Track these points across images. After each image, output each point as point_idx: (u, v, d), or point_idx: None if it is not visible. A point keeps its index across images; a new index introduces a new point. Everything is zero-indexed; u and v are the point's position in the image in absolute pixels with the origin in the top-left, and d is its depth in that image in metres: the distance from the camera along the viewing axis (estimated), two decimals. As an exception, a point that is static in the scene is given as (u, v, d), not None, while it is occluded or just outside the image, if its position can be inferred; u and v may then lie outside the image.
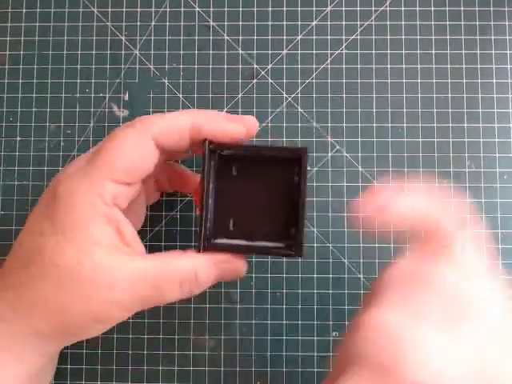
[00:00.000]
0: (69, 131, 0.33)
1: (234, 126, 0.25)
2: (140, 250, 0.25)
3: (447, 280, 0.20)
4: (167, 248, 0.32)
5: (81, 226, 0.23)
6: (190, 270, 0.24)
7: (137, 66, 0.33)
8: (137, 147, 0.24)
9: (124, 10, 0.34)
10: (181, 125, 0.25)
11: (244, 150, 0.26)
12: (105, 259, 0.23)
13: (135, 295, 0.24)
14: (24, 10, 0.34)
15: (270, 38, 0.33)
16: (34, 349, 0.25)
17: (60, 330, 0.25)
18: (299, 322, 0.31)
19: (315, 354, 0.31)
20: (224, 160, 0.26)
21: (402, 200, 0.23)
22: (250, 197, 0.26)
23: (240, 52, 0.33)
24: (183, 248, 0.31)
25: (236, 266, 0.25)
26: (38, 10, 0.34)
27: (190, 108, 0.33)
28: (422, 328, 0.19)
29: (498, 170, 0.32)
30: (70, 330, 0.25)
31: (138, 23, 0.33)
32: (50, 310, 0.24)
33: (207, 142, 0.25)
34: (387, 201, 0.23)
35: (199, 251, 0.25)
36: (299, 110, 0.33)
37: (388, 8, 0.33)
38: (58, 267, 0.23)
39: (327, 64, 0.33)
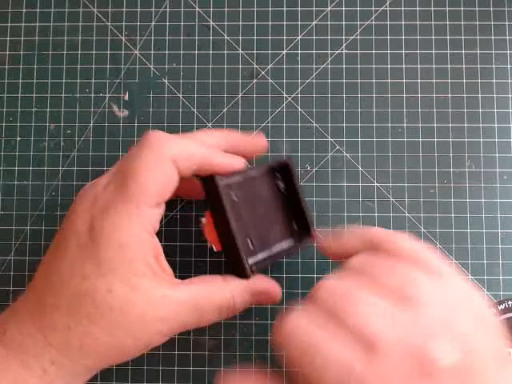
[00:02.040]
0: (69, 131, 0.33)
1: (236, 161, 0.27)
2: (171, 272, 0.26)
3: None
4: (167, 248, 0.32)
5: (129, 262, 0.23)
6: (229, 300, 0.26)
7: (137, 66, 0.33)
8: (160, 169, 0.24)
9: (124, 10, 0.34)
10: (194, 154, 0.25)
11: (240, 176, 0.27)
12: (152, 293, 0.24)
13: (180, 322, 0.25)
14: (24, 10, 0.34)
15: (269, 38, 0.33)
16: (78, 382, 0.26)
17: (108, 363, 0.26)
18: (299, 322, 0.31)
19: (315, 353, 0.31)
20: (224, 189, 0.26)
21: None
22: (254, 213, 0.28)
23: (240, 52, 0.33)
24: (183, 248, 0.32)
25: (272, 295, 0.27)
26: (37, 10, 0.34)
27: (189, 108, 0.33)
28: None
29: (497, 170, 0.32)
30: (117, 361, 0.26)
31: (138, 23, 0.33)
32: (100, 350, 0.24)
33: (217, 180, 0.26)
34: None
35: (248, 277, 0.26)
36: (299, 109, 0.33)
37: (388, 8, 0.33)
38: (110, 309, 0.23)
39: (327, 64, 0.33)
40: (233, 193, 0.27)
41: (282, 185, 0.29)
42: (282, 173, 0.29)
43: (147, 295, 0.24)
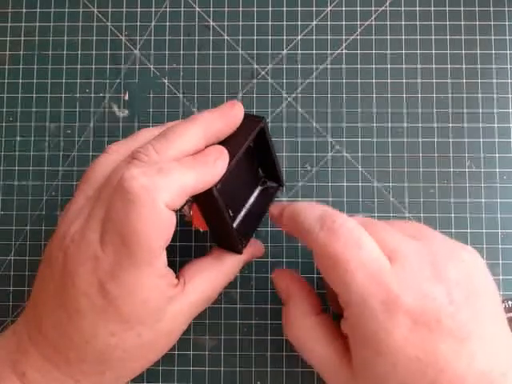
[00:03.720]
0: (69, 131, 0.33)
1: (224, 160, 0.25)
2: (171, 271, 0.25)
3: None
4: (167, 248, 0.32)
5: (155, 312, 0.24)
6: (230, 279, 0.28)
7: (137, 66, 0.33)
8: (158, 221, 0.23)
9: (124, 10, 0.34)
10: (186, 186, 0.23)
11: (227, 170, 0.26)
12: (172, 313, 0.25)
13: (194, 314, 0.26)
14: (24, 10, 0.34)
15: (269, 38, 0.33)
16: None
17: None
18: (299, 322, 0.31)
19: (315, 353, 0.31)
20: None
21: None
22: (232, 183, 0.27)
23: (240, 52, 0.33)
24: (183, 248, 0.32)
25: (257, 256, 0.30)
26: (37, 10, 0.34)
27: (189, 108, 0.33)
28: None
29: (498, 170, 0.32)
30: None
31: (138, 23, 0.33)
32: (137, 372, 0.26)
33: (216, 192, 0.25)
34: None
35: (241, 252, 0.28)
36: (299, 109, 0.33)
37: (388, 8, 0.33)
38: (141, 347, 0.24)
39: (327, 64, 0.33)
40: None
41: (252, 144, 0.28)
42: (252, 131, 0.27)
43: (170, 318, 0.25)
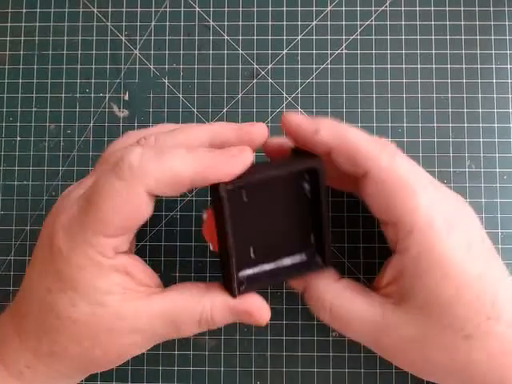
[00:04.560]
0: (69, 131, 0.33)
1: (239, 164, 0.23)
2: (154, 281, 0.25)
3: None
4: (167, 248, 0.32)
5: (89, 281, 0.23)
6: (206, 314, 0.24)
7: (137, 66, 0.33)
8: (129, 203, 0.22)
9: (124, 9, 0.34)
10: (181, 175, 0.22)
11: (255, 179, 0.23)
12: (120, 307, 0.23)
13: (154, 334, 0.24)
14: (24, 10, 0.34)
15: (269, 38, 0.33)
16: None
17: (84, 371, 0.26)
18: (299, 322, 0.31)
19: (315, 353, 0.31)
20: (229, 194, 0.23)
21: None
22: (264, 217, 0.25)
23: (240, 52, 0.33)
24: (183, 248, 0.32)
25: (256, 319, 0.25)
26: (38, 10, 0.34)
27: (189, 108, 0.33)
28: None
29: (497, 170, 0.32)
30: (93, 370, 0.26)
31: (138, 23, 0.33)
32: (70, 358, 0.24)
33: (223, 192, 0.22)
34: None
35: (235, 296, 0.24)
36: (299, 109, 0.33)
37: (388, 8, 0.33)
38: (74, 321, 0.23)
39: (327, 64, 0.33)
40: (244, 192, 0.24)
41: (307, 188, 0.25)
42: (310, 174, 0.24)
43: (115, 309, 0.23)
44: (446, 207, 0.24)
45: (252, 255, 0.25)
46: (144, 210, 0.23)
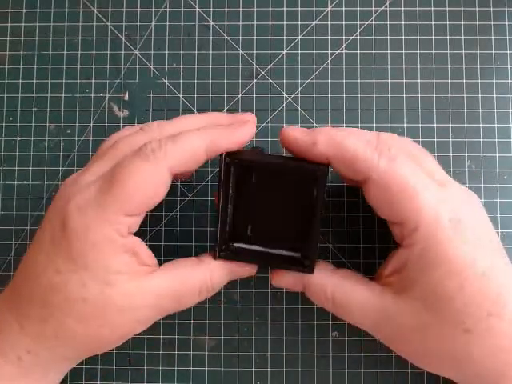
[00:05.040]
0: (69, 131, 0.33)
1: (246, 133, 0.26)
2: (153, 261, 0.26)
3: None
4: (167, 248, 0.32)
5: (101, 260, 0.24)
6: (206, 281, 0.26)
7: (137, 66, 0.33)
8: (153, 183, 0.24)
9: (124, 9, 0.34)
10: (196, 151, 0.24)
11: (264, 163, 0.26)
12: (127, 286, 0.24)
13: (158, 309, 0.25)
14: (24, 10, 0.34)
15: (269, 38, 0.33)
16: (57, 371, 0.27)
17: (85, 353, 0.26)
18: (299, 322, 0.31)
19: (315, 353, 0.31)
20: (244, 167, 0.26)
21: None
22: (269, 204, 0.26)
23: (240, 52, 0.33)
24: (183, 248, 0.32)
25: (249, 270, 0.27)
26: (38, 10, 0.34)
27: (189, 108, 0.33)
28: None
29: (497, 170, 0.32)
30: (94, 351, 0.26)
31: (138, 23, 0.33)
32: (76, 340, 0.25)
33: (224, 156, 0.25)
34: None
35: (215, 258, 0.26)
36: (299, 110, 0.33)
37: (388, 8, 0.33)
38: (83, 301, 0.24)
39: (327, 64, 0.33)
40: (254, 175, 0.26)
41: (316, 193, 0.25)
42: (314, 178, 0.25)
43: (123, 289, 0.24)
44: (453, 205, 0.24)
45: (249, 233, 0.26)
46: (163, 189, 0.24)
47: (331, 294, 0.25)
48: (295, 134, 0.25)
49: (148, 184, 0.24)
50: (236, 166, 0.25)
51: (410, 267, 0.24)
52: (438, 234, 0.23)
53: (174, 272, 0.25)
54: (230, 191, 0.25)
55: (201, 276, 0.26)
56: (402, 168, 0.24)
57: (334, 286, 0.26)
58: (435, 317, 0.23)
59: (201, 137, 0.25)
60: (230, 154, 0.25)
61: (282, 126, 0.32)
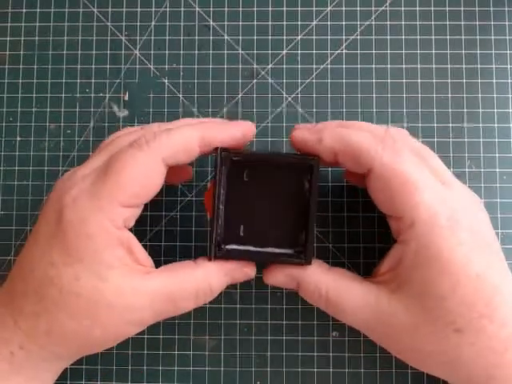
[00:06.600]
0: (69, 131, 0.33)
1: (240, 128, 0.26)
2: (149, 263, 0.26)
3: None
4: (167, 248, 0.32)
5: (95, 252, 0.23)
6: (204, 283, 0.25)
7: (137, 66, 0.33)
8: (147, 172, 0.24)
9: (124, 9, 0.34)
10: (190, 142, 0.25)
11: (255, 157, 0.26)
12: (119, 282, 0.24)
13: (152, 312, 0.25)
14: (24, 10, 0.34)
15: (269, 38, 0.33)
16: (48, 369, 0.26)
17: (77, 353, 0.26)
18: (299, 322, 0.31)
19: (315, 353, 0.31)
20: (235, 165, 0.26)
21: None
22: (261, 202, 0.26)
23: (240, 52, 0.33)
24: (183, 248, 0.32)
25: (246, 271, 0.26)
26: (38, 10, 0.34)
27: (189, 108, 0.33)
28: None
29: (497, 170, 0.32)
30: (86, 351, 0.26)
31: (138, 23, 0.33)
32: (68, 337, 0.24)
33: (220, 151, 0.25)
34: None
35: (210, 259, 0.26)
36: (299, 109, 0.33)
37: (388, 8, 0.33)
38: (76, 296, 0.23)
39: (327, 64, 0.33)
40: (245, 172, 0.26)
41: (307, 186, 0.26)
42: (310, 172, 0.26)
43: (116, 285, 0.24)
44: (454, 205, 0.24)
45: (241, 233, 0.26)
46: (157, 180, 0.25)
47: (325, 292, 0.25)
48: (303, 135, 0.26)
49: (142, 172, 0.24)
50: (228, 164, 0.25)
51: (405, 264, 0.24)
52: (433, 233, 0.23)
53: (169, 274, 0.25)
54: (222, 191, 0.26)
55: (197, 278, 0.25)
56: (404, 162, 0.24)
57: (329, 284, 0.25)
58: (427, 316, 0.23)
59: (195, 128, 0.25)
60: (226, 150, 0.25)
61: (282, 126, 0.32)
